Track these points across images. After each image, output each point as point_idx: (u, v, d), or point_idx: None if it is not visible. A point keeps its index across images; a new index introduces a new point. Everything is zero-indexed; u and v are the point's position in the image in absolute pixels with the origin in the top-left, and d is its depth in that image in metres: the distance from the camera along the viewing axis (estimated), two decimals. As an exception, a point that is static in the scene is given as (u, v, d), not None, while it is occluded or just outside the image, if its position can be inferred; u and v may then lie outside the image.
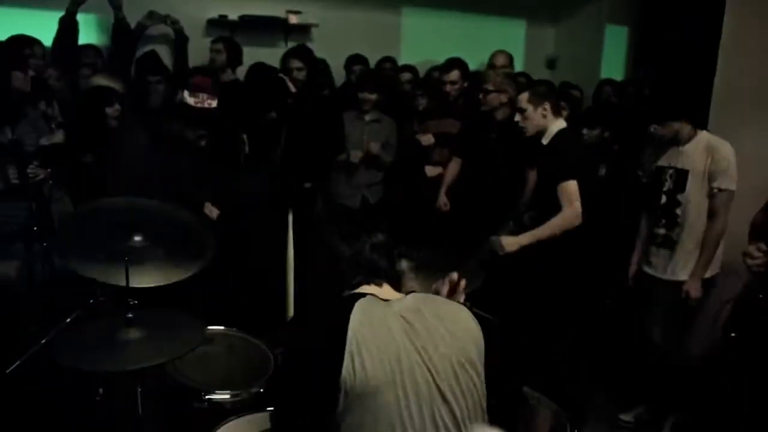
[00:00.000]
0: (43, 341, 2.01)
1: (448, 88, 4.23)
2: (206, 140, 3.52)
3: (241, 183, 3.70)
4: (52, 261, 2.43)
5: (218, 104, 3.68)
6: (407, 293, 1.62)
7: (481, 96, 3.88)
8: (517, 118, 3.31)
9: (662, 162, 3.19)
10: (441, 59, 4.62)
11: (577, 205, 3.08)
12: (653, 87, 4.50)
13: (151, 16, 4.57)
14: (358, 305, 1.47)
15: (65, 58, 4.10)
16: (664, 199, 3.15)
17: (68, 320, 2.10)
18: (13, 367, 1.96)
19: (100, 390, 2.27)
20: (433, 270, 2.29)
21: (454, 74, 4.22)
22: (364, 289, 1.59)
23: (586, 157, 3.39)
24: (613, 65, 6.04)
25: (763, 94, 3.41)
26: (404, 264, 2.40)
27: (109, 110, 3.35)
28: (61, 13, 4.19)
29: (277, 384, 1.60)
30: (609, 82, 5.15)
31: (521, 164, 3.73)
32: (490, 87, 3.82)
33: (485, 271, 2.62)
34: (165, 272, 2.14)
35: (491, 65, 4.63)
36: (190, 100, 3.51)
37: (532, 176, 3.80)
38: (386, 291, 1.61)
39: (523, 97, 3.29)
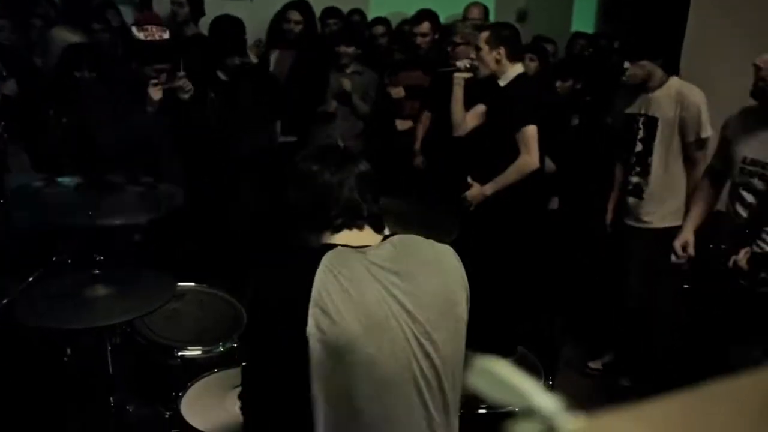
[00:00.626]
0: (4, 301, 1.93)
1: (419, 40, 4.14)
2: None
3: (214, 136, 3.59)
4: (10, 217, 2.32)
5: (183, 60, 3.54)
6: (386, 236, 1.51)
7: (449, 48, 3.80)
8: (472, 55, 3.24)
9: (632, 109, 3.15)
10: (411, 11, 4.52)
11: (535, 150, 3.09)
12: (626, 29, 4.46)
13: None
14: (325, 259, 1.36)
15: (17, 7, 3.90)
16: (639, 147, 3.13)
17: (30, 279, 2.02)
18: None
19: (68, 350, 2.20)
20: (407, 222, 2.28)
21: (425, 26, 4.13)
22: (340, 237, 1.46)
23: (545, 104, 3.34)
24: (584, 18, 6.01)
25: (735, 36, 3.39)
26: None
27: (78, 74, 3.20)
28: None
29: (245, 338, 1.53)
30: (581, 35, 5.12)
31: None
32: (458, 39, 3.73)
33: (459, 225, 2.61)
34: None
35: (465, 18, 4.53)
36: (140, 35, 3.38)
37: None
38: (366, 235, 1.48)
39: (482, 36, 3.20)
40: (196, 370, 2.10)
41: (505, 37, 3.21)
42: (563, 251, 3.61)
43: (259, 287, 1.43)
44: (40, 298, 1.94)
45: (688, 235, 2.83)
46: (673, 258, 2.86)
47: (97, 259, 1.97)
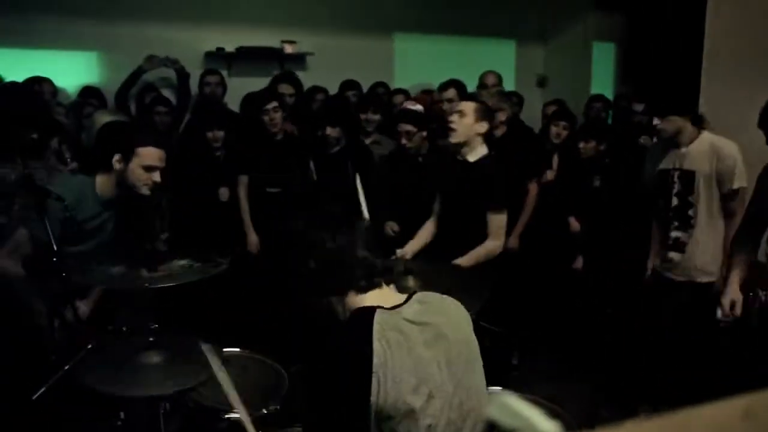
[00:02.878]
0: (66, 367, 2.07)
1: (445, 106, 4.32)
2: None
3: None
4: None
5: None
6: (409, 294, 1.60)
7: None
8: (452, 118, 3.07)
9: (666, 165, 3.19)
10: (433, 82, 4.76)
11: (503, 236, 3.05)
12: (649, 88, 4.55)
13: (150, 60, 4.66)
14: (376, 325, 1.44)
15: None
16: (675, 201, 3.17)
17: (89, 347, 2.17)
18: (39, 393, 2.02)
19: (121, 414, 2.32)
20: (438, 284, 2.39)
21: (451, 92, 4.31)
22: (369, 298, 1.55)
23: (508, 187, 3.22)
24: (602, 81, 6.20)
25: (754, 85, 3.49)
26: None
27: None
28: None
29: (305, 405, 1.61)
30: (599, 97, 5.30)
31: (523, 177, 3.83)
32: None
33: (490, 287, 2.67)
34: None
35: (482, 85, 4.76)
36: None
37: (533, 189, 3.94)
38: (390, 293, 1.57)
39: (472, 106, 3.07)
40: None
41: (491, 116, 3.22)
42: (592, 308, 3.65)
43: (316, 358, 1.51)
44: (99, 364, 2.08)
45: (735, 294, 2.80)
46: (719, 314, 2.84)
47: (152, 326, 2.11)
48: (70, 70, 4.75)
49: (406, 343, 1.45)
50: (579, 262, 4.05)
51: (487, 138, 3.15)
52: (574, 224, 4.05)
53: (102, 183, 2.60)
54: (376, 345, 1.41)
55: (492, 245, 3.02)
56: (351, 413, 1.42)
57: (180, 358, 2.13)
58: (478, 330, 1.64)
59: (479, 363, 1.59)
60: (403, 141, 3.84)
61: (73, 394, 2.12)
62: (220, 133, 4.09)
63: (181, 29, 5.05)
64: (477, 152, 3.08)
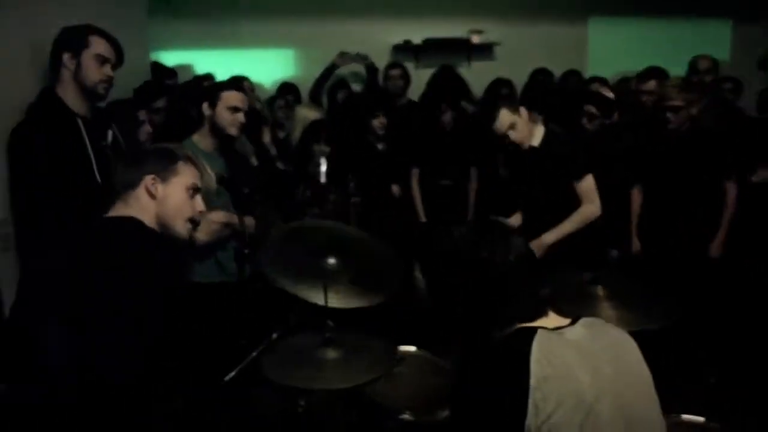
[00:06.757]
0: (254, 354, 2.19)
1: (645, 98, 3.94)
2: None
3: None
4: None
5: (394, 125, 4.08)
6: (573, 318, 1.49)
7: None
8: (514, 136, 3.15)
9: None
10: (632, 69, 4.36)
11: (597, 199, 3.14)
12: None
13: (342, 56, 4.88)
14: (536, 345, 1.34)
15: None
16: None
17: (274, 336, 2.27)
18: (231, 376, 2.16)
19: (301, 402, 2.40)
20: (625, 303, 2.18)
21: (651, 84, 3.92)
22: (534, 323, 1.46)
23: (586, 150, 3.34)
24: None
25: None
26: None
27: (317, 147, 3.69)
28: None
29: (458, 421, 1.53)
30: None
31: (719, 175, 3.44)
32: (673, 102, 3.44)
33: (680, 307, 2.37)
34: (351, 298, 2.25)
35: (693, 71, 4.24)
36: None
37: (731, 189, 3.46)
38: (551, 317, 1.49)
39: (522, 114, 3.16)
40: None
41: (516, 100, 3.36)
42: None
43: (472, 377, 1.42)
44: (281, 355, 2.16)
45: None
46: None
47: (329, 324, 2.14)
48: (269, 68, 5.10)
49: (567, 367, 1.33)
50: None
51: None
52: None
53: None
54: (535, 367, 1.31)
55: (587, 208, 3.13)
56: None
57: (356, 355, 2.14)
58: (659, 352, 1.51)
59: (651, 391, 1.44)
60: (584, 122, 3.81)
61: (258, 378, 2.23)
62: (384, 120, 4.12)
63: (370, 24, 5.18)
64: (537, 137, 3.20)
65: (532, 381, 1.29)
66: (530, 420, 1.29)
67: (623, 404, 1.35)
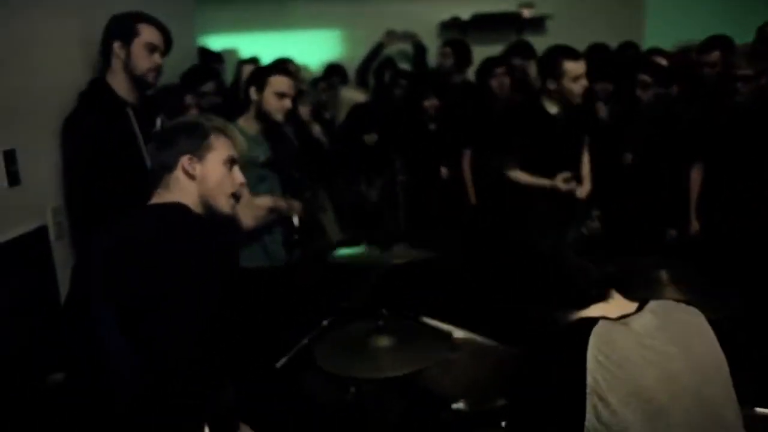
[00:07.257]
0: (305, 341, 2.18)
1: (707, 71, 3.73)
2: None
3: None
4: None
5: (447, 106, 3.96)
6: (641, 302, 1.39)
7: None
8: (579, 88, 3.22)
9: None
10: (693, 39, 4.13)
11: None
12: None
13: (389, 35, 4.80)
14: (594, 338, 1.25)
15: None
16: None
17: (325, 323, 2.25)
18: (282, 362, 2.16)
19: (352, 389, 2.38)
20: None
21: (715, 55, 3.70)
22: (593, 309, 1.37)
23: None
24: None
25: None
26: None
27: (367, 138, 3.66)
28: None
29: (516, 421, 1.45)
30: None
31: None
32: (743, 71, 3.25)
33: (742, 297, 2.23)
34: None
35: (762, 39, 3.98)
36: None
37: None
38: (616, 301, 1.40)
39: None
40: (466, 423, 2.11)
41: None
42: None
43: (527, 373, 1.35)
44: (332, 343, 2.14)
45: None
46: None
47: (382, 311, 2.10)
48: (315, 49, 5.05)
49: (632, 362, 1.23)
50: None
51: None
52: None
53: None
54: (592, 365, 1.21)
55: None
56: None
57: (409, 342, 2.09)
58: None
59: (728, 384, 1.34)
60: (638, 92, 3.68)
61: (309, 364, 2.22)
62: (436, 102, 4.02)
63: (416, 1, 5.05)
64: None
65: (589, 380, 1.21)
66: (590, 422, 1.21)
67: (699, 402, 1.26)
